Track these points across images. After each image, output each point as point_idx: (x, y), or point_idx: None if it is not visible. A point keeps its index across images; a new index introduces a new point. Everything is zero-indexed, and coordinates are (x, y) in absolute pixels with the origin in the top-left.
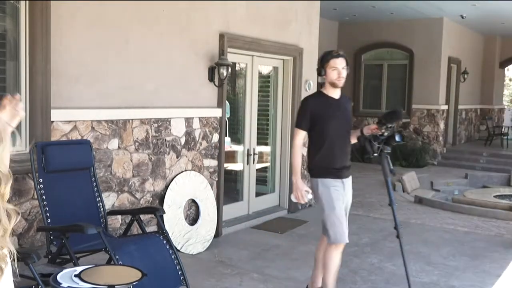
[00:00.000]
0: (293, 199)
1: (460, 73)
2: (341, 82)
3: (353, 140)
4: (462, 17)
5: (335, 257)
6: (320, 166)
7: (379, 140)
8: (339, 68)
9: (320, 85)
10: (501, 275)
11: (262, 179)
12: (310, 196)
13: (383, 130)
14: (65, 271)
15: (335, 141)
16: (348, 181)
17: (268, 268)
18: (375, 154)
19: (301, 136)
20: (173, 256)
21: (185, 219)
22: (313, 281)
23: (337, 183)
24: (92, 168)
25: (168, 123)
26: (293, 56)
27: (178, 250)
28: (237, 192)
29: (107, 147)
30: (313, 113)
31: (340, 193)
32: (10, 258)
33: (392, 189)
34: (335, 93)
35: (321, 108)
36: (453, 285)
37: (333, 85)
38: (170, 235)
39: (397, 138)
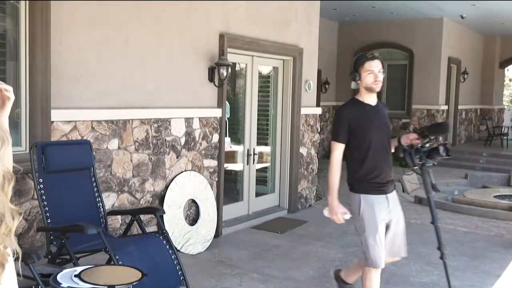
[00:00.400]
0: (326, 215)
1: (460, 73)
2: (378, 87)
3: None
4: (462, 17)
5: (375, 280)
6: (362, 180)
7: (420, 153)
8: (375, 71)
9: (322, 86)
10: (501, 275)
11: (262, 179)
12: (347, 216)
13: (424, 142)
14: (65, 271)
15: (377, 152)
16: (393, 196)
17: (268, 268)
18: (415, 168)
19: (340, 150)
20: (173, 256)
21: (185, 219)
22: (347, 275)
23: (381, 200)
24: (92, 168)
25: (168, 123)
26: (293, 56)
27: (178, 250)
28: (237, 192)
29: (107, 147)
30: (350, 124)
31: (385, 211)
32: (14, 257)
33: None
34: (372, 99)
35: (358, 117)
36: (453, 285)
37: (370, 90)
38: (170, 235)
39: (441, 151)
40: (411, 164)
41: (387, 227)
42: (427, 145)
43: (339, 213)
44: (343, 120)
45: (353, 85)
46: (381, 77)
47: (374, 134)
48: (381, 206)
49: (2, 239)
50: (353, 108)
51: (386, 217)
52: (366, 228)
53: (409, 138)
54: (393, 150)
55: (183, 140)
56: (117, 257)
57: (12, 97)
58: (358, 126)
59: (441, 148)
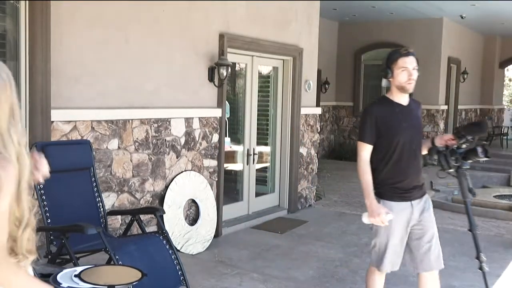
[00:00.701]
0: (366, 221)
1: (460, 73)
2: (411, 86)
3: (423, 152)
4: (462, 17)
5: (378, 281)
6: (384, 184)
7: (456, 155)
8: (409, 69)
9: (321, 86)
10: (501, 275)
11: (262, 179)
12: (390, 216)
13: (461, 142)
14: (65, 271)
15: (404, 155)
16: (420, 202)
17: (268, 268)
18: (451, 170)
19: (367, 151)
20: (173, 256)
21: (185, 219)
22: None
23: (404, 206)
24: (92, 168)
25: (168, 123)
26: (293, 56)
27: (178, 250)
28: (237, 192)
29: (107, 147)
30: (378, 124)
31: (406, 219)
32: None
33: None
34: (403, 99)
35: (387, 117)
36: (453, 285)
37: (402, 89)
38: (170, 235)
39: (479, 152)
40: (446, 166)
41: (412, 236)
42: (464, 146)
43: (382, 213)
44: (371, 119)
45: (384, 82)
46: (415, 75)
47: (401, 136)
48: (401, 213)
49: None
50: (381, 107)
51: (408, 225)
52: (379, 234)
53: (444, 139)
54: (426, 152)
55: (183, 140)
56: (117, 257)
57: (45, 174)
58: (385, 127)
59: (479, 149)
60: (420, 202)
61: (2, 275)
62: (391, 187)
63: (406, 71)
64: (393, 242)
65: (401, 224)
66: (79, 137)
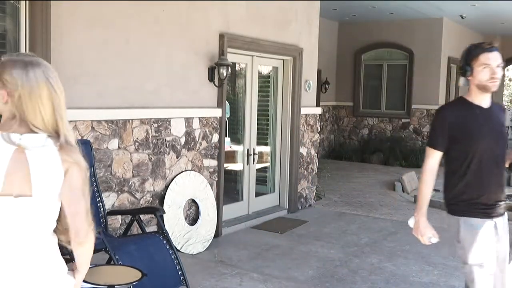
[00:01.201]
0: (411, 225)
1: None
2: (495, 86)
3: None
4: (462, 17)
5: None
6: (462, 200)
7: None
8: (492, 66)
9: (321, 86)
10: None
11: (262, 179)
12: (434, 240)
13: None
14: None
15: (485, 166)
16: (503, 220)
17: (268, 268)
18: None
19: (436, 158)
20: (173, 256)
21: (185, 219)
22: None
23: (487, 224)
24: (92, 168)
25: (168, 123)
26: (293, 56)
27: (178, 250)
28: (237, 192)
29: (107, 147)
30: (453, 128)
31: (492, 239)
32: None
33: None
34: (484, 100)
35: (464, 120)
36: (453, 285)
37: (483, 89)
38: (170, 235)
39: None
40: None
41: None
42: None
43: (425, 236)
44: (444, 123)
45: (461, 81)
46: (499, 73)
47: (482, 143)
48: (486, 233)
49: None
50: (458, 110)
51: (493, 247)
52: (469, 258)
53: None
54: (507, 164)
55: (183, 140)
56: (117, 257)
57: None
58: (461, 132)
59: None
60: (503, 220)
61: (89, 238)
62: (470, 203)
63: (489, 68)
64: (490, 265)
65: (489, 244)
66: (79, 137)
